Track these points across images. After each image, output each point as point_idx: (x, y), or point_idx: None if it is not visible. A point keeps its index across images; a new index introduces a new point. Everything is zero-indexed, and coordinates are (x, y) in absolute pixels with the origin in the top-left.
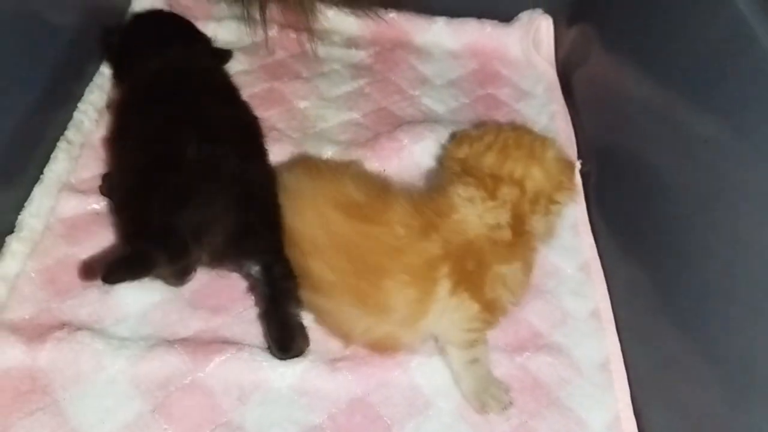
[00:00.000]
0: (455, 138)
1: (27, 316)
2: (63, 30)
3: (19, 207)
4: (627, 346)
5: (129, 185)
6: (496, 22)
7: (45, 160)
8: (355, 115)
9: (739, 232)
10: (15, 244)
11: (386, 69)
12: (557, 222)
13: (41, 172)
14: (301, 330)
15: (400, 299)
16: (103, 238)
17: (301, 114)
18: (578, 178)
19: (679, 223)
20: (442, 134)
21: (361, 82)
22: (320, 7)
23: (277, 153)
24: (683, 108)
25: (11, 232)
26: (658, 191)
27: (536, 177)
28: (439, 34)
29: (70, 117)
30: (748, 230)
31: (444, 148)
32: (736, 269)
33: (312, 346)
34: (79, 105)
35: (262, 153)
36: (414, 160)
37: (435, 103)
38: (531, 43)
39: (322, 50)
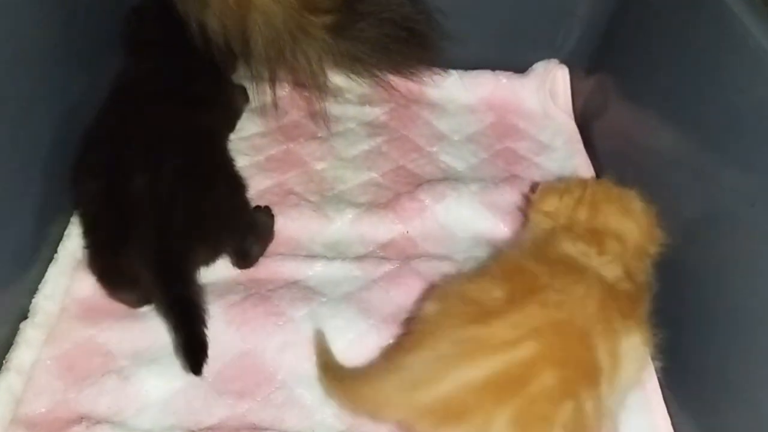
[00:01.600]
0: (540, 190)
1: (44, 409)
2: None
3: (32, 290)
4: None
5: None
6: (510, 73)
7: (59, 237)
8: (373, 175)
9: None
10: (30, 330)
11: (402, 126)
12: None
13: (55, 251)
14: None
15: None
16: (121, 317)
17: (319, 176)
18: None
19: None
20: (464, 192)
21: (378, 140)
22: (329, 74)
23: (295, 218)
24: (714, 163)
25: (25, 317)
26: (688, 248)
27: (633, 231)
28: (453, 87)
29: None
30: None
31: (528, 201)
32: None
33: None
34: None
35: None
36: (437, 220)
37: (454, 159)
38: (548, 94)
39: (336, 109)
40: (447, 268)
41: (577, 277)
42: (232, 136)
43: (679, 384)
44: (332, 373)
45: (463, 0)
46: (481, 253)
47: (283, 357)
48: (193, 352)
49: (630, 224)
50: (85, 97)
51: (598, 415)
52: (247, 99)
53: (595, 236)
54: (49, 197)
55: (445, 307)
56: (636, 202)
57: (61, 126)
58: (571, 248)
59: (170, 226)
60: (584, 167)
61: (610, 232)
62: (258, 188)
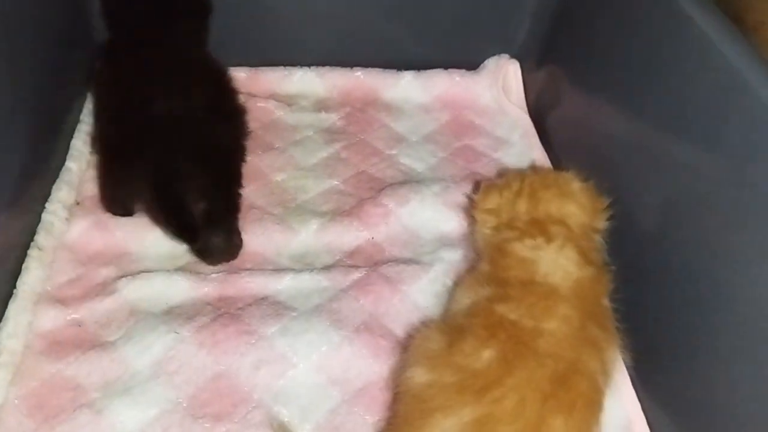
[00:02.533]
0: (481, 190)
1: None
2: (24, 126)
3: None
4: None
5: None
6: (463, 71)
7: (16, 271)
8: (335, 182)
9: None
10: None
11: (360, 130)
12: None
13: (14, 286)
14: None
15: None
16: (88, 348)
17: (280, 187)
18: None
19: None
20: (426, 194)
21: (337, 146)
22: None
23: (260, 233)
24: (667, 150)
25: None
26: (645, 227)
27: (574, 212)
28: (408, 88)
29: (38, 220)
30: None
31: (472, 201)
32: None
33: None
34: (47, 205)
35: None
36: (401, 224)
37: (414, 161)
38: (501, 89)
39: (292, 117)
40: (414, 271)
41: (551, 301)
42: None
43: (646, 371)
44: None
45: (411, 0)
46: (447, 253)
47: (257, 375)
48: (185, 227)
49: (570, 206)
50: None
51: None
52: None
53: (538, 226)
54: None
55: (435, 378)
56: (573, 183)
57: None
58: (523, 249)
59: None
60: (541, 160)
61: (553, 218)
62: None
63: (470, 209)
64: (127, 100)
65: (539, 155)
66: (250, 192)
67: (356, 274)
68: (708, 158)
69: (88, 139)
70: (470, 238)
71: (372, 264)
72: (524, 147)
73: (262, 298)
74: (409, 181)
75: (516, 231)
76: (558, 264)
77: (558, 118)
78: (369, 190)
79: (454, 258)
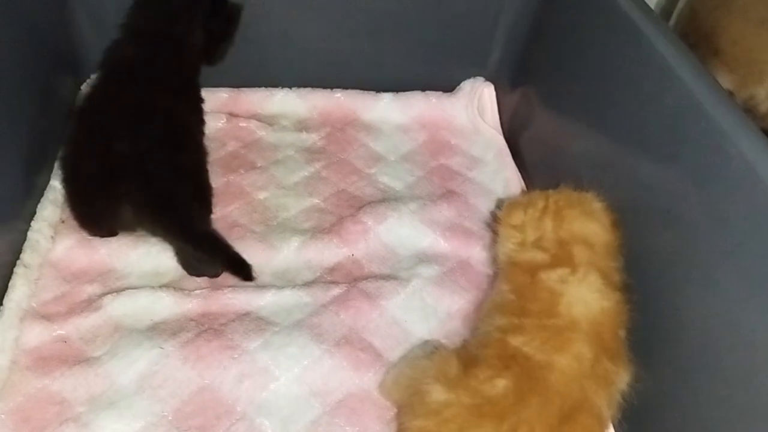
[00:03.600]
0: (506, 206)
1: None
2: (12, 146)
3: None
4: None
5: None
6: (440, 93)
7: (2, 289)
8: (315, 201)
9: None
10: None
11: (339, 150)
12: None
13: (0, 303)
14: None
15: None
16: (73, 364)
17: (262, 206)
18: None
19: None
20: (404, 212)
21: (317, 165)
22: None
23: (242, 250)
24: (631, 165)
25: None
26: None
27: (597, 231)
28: (387, 109)
29: (24, 238)
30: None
31: (496, 217)
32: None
33: None
34: (32, 224)
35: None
36: (380, 241)
37: (392, 180)
38: (476, 110)
39: (273, 136)
40: (393, 286)
41: (566, 336)
42: None
43: None
44: None
45: (390, 25)
46: (424, 269)
47: (240, 388)
48: (241, 264)
49: (593, 225)
50: None
51: None
52: None
53: (565, 250)
54: None
55: (453, 398)
56: (595, 203)
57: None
58: (552, 279)
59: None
60: (514, 179)
61: (577, 238)
62: None
63: (493, 225)
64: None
65: (512, 174)
66: (233, 210)
67: (336, 290)
68: (667, 177)
69: None
70: (491, 254)
71: (352, 280)
72: (498, 166)
73: (245, 314)
74: (388, 199)
75: (546, 254)
76: (580, 295)
77: (530, 137)
78: (349, 208)
79: (431, 273)
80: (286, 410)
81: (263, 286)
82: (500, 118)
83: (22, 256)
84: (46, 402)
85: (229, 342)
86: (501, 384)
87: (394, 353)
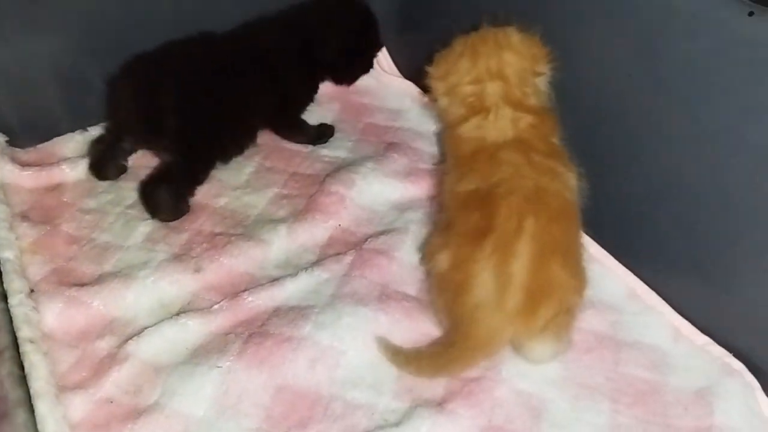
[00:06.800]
0: (435, 61)
1: None
2: None
3: None
4: None
5: None
6: None
7: (20, 376)
8: (276, 190)
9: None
10: None
11: (270, 139)
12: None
13: (27, 388)
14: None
15: None
16: (134, 419)
17: (228, 210)
18: None
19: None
20: (365, 172)
21: (257, 158)
22: None
23: (236, 254)
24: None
25: None
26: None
27: (511, 61)
28: None
29: (7, 318)
30: None
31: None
32: None
33: None
34: (9, 300)
35: None
36: (358, 205)
37: (333, 150)
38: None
39: None
40: (396, 238)
41: (495, 157)
42: (129, 202)
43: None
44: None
45: None
46: (412, 214)
47: (316, 374)
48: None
49: (507, 55)
50: None
51: None
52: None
53: (478, 91)
54: None
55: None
56: (513, 35)
57: None
58: (470, 130)
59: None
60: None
61: (492, 72)
62: (179, 242)
63: (428, 84)
64: None
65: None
66: (204, 222)
67: (348, 258)
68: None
69: (10, 225)
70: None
71: (353, 246)
72: (419, 110)
73: (276, 309)
74: (342, 166)
75: (462, 108)
76: (497, 127)
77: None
78: (311, 186)
79: (419, 216)
80: (369, 377)
81: (276, 279)
82: (397, 65)
83: (20, 334)
84: None
85: (280, 337)
86: (474, 217)
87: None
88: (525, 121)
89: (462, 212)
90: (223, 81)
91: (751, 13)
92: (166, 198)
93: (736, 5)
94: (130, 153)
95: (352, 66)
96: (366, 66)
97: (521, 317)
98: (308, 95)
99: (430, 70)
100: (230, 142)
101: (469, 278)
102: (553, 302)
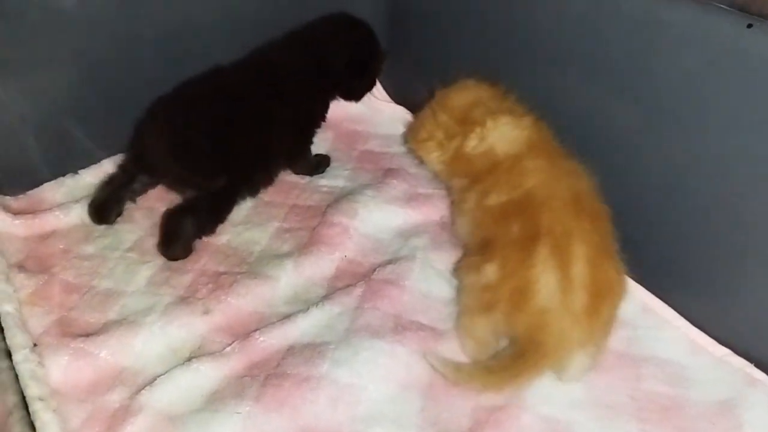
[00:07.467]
0: (406, 134)
1: None
2: None
3: None
4: None
5: None
6: None
7: None
8: (276, 224)
9: None
10: None
11: None
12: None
13: None
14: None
15: None
16: None
17: (230, 249)
18: None
19: None
20: (365, 201)
21: None
22: None
23: (243, 293)
24: None
25: None
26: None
27: (480, 94)
28: None
29: (12, 376)
30: None
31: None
32: None
33: None
34: (14, 357)
35: None
36: (362, 234)
37: (331, 180)
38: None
39: None
40: (404, 266)
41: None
42: (128, 245)
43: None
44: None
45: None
46: (417, 240)
47: (337, 413)
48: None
49: (471, 93)
50: None
51: None
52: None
53: (466, 121)
54: None
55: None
56: (468, 82)
57: None
58: (471, 146)
59: None
60: None
61: (469, 106)
62: (183, 284)
63: (411, 150)
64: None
65: None
66: (207, 263)
67: (358, 290)
68: None
69: (6, 277)
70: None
71: (362, 277)
72: None
73: (290, 348)
74: (341, 196)
75: (457, 136)
76: (499, 136)
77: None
78: (312, 218)
79: (425, 242)
80: (391, 412)
81: (287, 316)
82: (386, 90)
83: (28, 392)
84: None
85: (298, 377)
86: (515, 226)
87: (442, 323)
88: (522, 126)
89: (500, 224)
90: (250, 113)
91: (749, 25)
92: (189, 230)
93: (734, 17)
94: (139, 194)
95: (362, 76)
96: (374, 75)
97: (586, 318)
98: (322, 115)
99: (408, 138)
100: (261, 174)
101: (530, 284)
102: (613, 301)
